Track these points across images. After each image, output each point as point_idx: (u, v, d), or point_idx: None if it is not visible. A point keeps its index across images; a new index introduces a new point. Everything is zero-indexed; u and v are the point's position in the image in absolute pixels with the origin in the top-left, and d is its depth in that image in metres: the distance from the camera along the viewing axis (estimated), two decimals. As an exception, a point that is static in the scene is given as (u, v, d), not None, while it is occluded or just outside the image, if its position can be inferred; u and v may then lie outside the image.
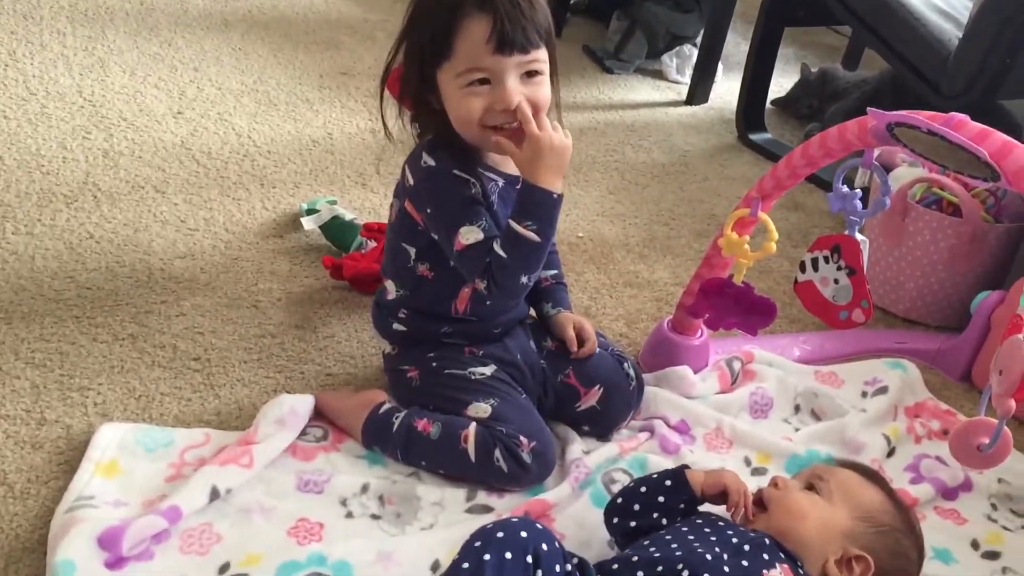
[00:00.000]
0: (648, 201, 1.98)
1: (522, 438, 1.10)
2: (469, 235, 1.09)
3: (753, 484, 1.05)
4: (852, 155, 1.18)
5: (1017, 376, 1.02)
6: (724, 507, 1.01)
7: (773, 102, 2.59)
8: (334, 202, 1.64)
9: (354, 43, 2.52)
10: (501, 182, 1.16)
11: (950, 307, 1.63)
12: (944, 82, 1.81)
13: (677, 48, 2.74)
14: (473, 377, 1.17)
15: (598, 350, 1.25)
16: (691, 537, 0.92)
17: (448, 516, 1.08)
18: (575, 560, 0.88)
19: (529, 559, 0.82)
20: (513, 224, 1.07)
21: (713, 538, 0.91)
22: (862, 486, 1.00)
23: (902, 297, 1.65)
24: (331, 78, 2.29)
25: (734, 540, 0.91)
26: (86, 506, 0.98)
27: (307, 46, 2.45)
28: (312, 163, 1.88)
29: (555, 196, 1.07)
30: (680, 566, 0.86)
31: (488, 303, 1.15)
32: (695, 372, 1.36)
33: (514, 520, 0.87)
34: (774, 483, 1.02)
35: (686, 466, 1.05)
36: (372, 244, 1.53)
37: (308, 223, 1.58)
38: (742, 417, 1.34)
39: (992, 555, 1.15)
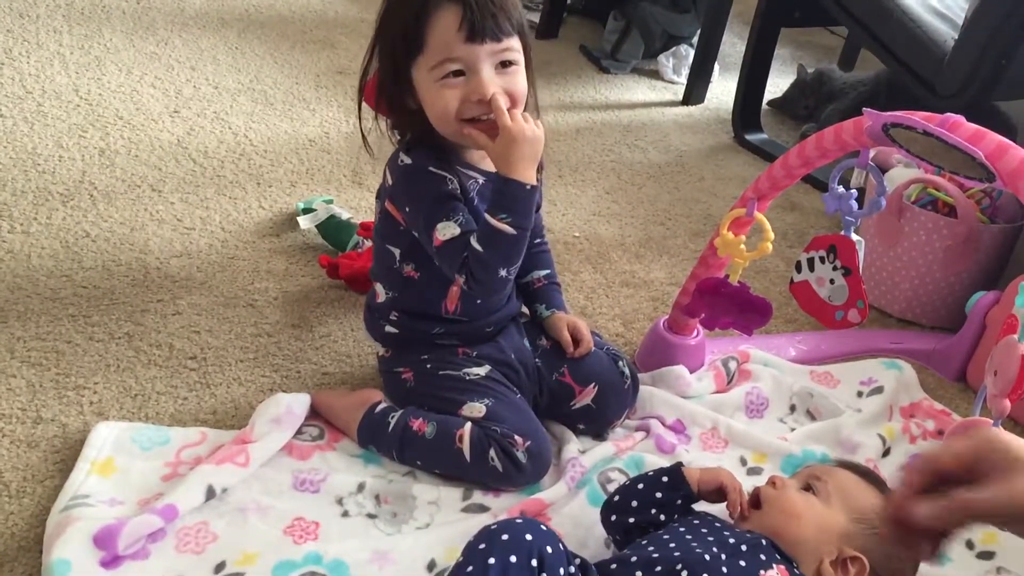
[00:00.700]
0: (644, 201, 1.98)
1: (517, 437, 1.10)
2: (446, 231, 1.09)
3: (748, 484, 1.05)
4: (848, 156, 1.18)
5: (1012, 376, 1.03)
6: (721, 506, 1.01)
7: (769, 102, 2.59)
8: (330, 201, 1.64)
9: (350, 42, 2.52)
10: (482, 180, 1.15)
11: (945, 307, 1.63)
12: (940, 83, 1.81)
13: (673, 48, 2.75)
14: (467, 377, 1.17)
15: (593, 348, 1.25)
16: (689, 537, 0.92)
17: (444, 515, 1.08)
18: (577, 561, 0.88)
19: (534, 563, 0.82)
20: (488, 218, 1.07)
21: (710, 538, 0.91)
22: (860, 487, 1.00)
23: (897, 297, 1.65)
24: (327, 77, 2.29)
25: (731, 540, 0.91)
26: (82, 505, 0.98)
27: (304, 45, 2.45)
28: (308, 162, 1.87)
29: (528, 188, 1.07)
30: (679, 566, 0.86)
31: (476, 300, 1.15)
32: (691, 372, 1.36)
33: (518, 521, 0.87)
34: (772, 482, 1.02)
35: (681, 463, 1.05)
36: (368, 243, 1.53)
37: (304, 222, 1.58)
38: (738, 417, 1.34)
39: (987, 555, 1.15)
